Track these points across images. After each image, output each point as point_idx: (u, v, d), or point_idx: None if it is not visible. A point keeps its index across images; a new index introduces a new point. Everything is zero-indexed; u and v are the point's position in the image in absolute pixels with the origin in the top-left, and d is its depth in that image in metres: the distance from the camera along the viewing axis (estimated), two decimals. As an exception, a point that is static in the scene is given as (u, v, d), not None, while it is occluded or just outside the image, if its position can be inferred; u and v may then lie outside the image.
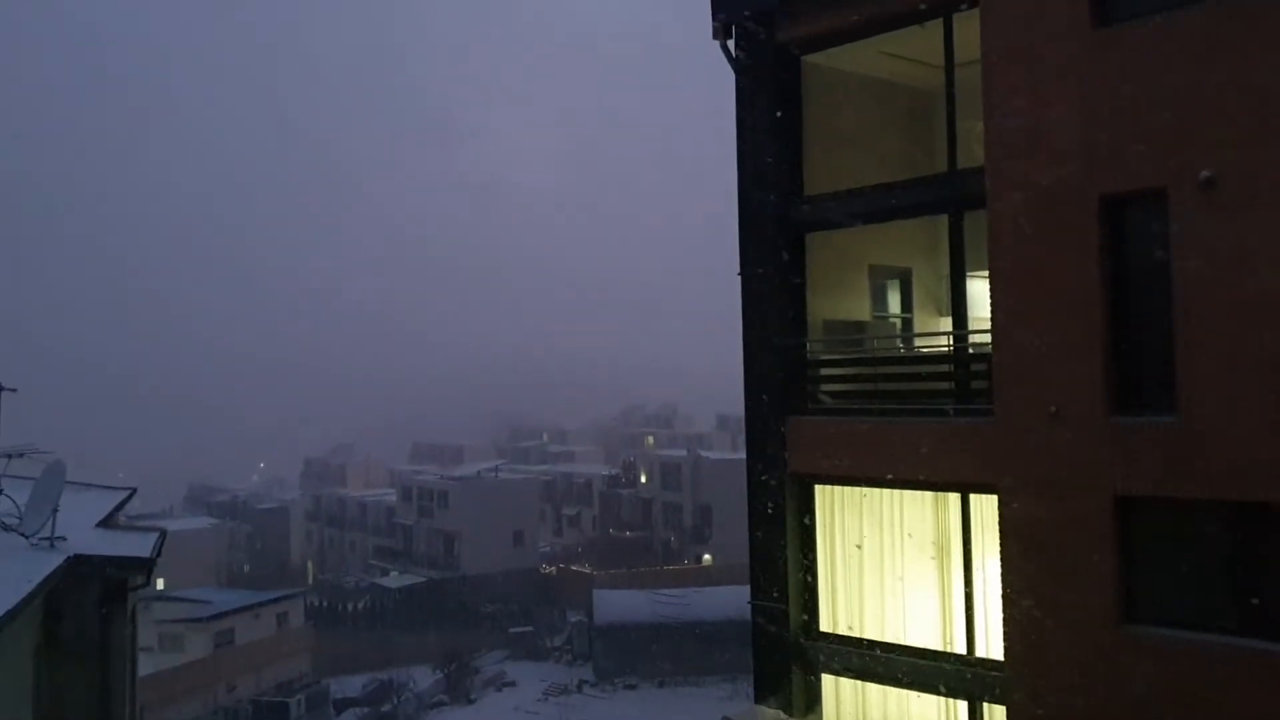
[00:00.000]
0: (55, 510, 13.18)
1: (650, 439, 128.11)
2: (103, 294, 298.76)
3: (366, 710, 58.24)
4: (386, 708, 58.10)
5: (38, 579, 10.75)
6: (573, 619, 70.88)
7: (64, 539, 13.10)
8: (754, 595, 15.03)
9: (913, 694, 13.69)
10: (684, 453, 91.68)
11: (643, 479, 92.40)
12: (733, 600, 50.94)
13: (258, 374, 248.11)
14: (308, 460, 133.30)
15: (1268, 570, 10.43)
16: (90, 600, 13.61)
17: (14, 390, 16.67)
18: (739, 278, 15.21)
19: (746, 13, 15.06)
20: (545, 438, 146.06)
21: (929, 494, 13.74)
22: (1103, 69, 11.25)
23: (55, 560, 11.96)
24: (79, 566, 12.42)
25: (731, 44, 15.26)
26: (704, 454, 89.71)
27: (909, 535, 14.07)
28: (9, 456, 15.52)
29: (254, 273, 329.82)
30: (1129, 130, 11.03)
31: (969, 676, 12.98)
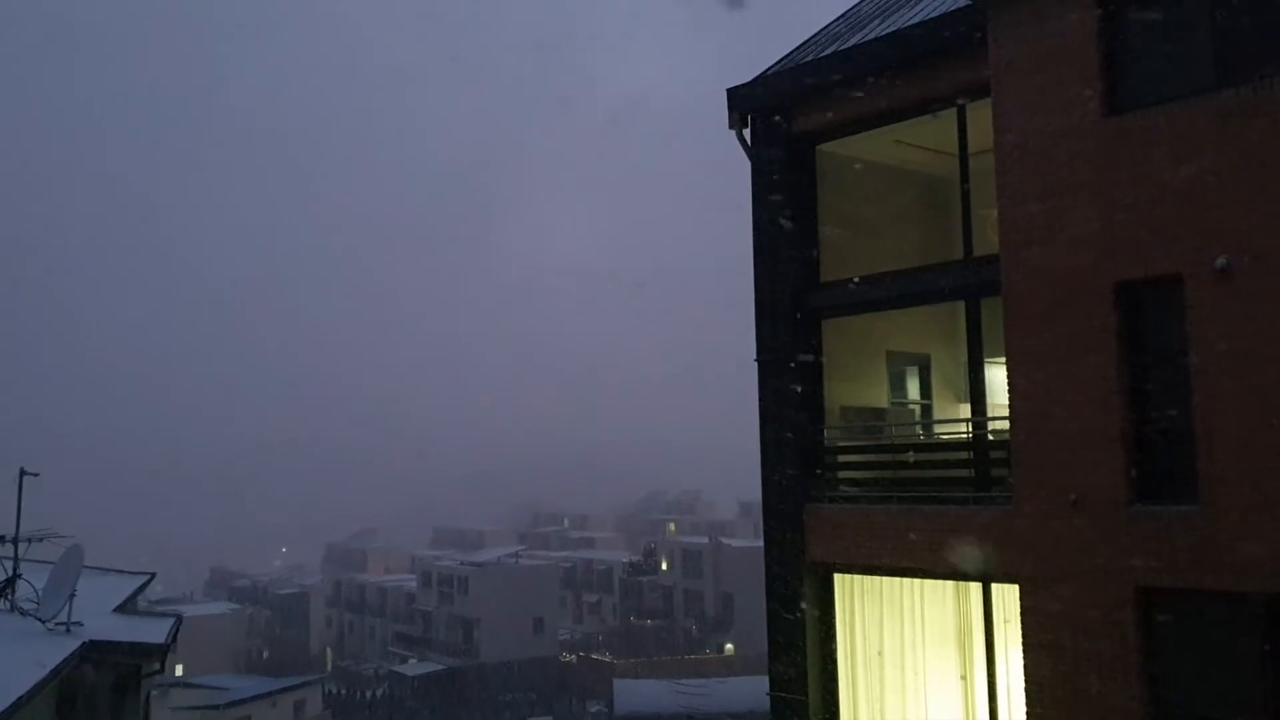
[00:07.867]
0: (73, 595, 13.22)
1: (672, 525, 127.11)
2: (126, 378, 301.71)
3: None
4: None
5: (51, 665, 10.75)
6: (593, 709, 69.75)
7: (80, 624, 13.11)
8: (773, 687, 14.78)
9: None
10: (705, 540, 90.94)
11: (664, 566, 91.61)
12: (756, 691, 49.67)
13: (282, 459, 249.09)
14: (329, 545, 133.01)
15: (1295, 663, 10.20)
16: (104, 686, 13.56)
17: (36, 475, 16.81)
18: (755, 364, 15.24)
19: (761, 104, 15.31)
20: (566, 523, 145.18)
21: (950, 584, 13.56)
22: (1114, 157, 11.29)
23: (70, 646, 11.97)
24: (93, 652, 12.40)
25: (748, 133, 15.50)
26: (726, 541, 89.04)
27: (930, 626, 13.86)
28: (29, 541, 15.60)
29: (277, 358, 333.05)
30: (1142, 217, 11.03)
31: (993, 771, 12.69)
